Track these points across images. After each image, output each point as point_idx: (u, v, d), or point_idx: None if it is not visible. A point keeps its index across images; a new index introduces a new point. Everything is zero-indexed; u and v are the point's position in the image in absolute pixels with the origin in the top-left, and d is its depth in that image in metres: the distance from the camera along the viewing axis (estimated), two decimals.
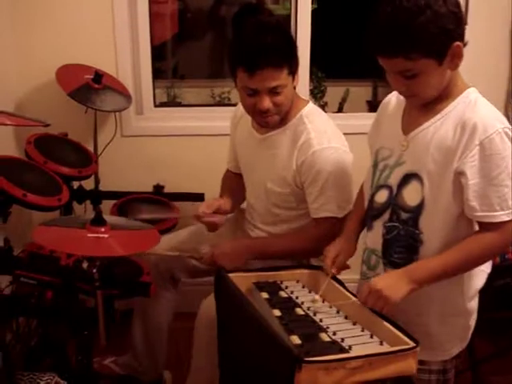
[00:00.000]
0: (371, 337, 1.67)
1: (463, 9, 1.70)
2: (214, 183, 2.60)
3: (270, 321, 1.68)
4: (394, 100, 1.96)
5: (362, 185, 2.08)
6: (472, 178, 1.66)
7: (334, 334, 1.67)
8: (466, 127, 1.67)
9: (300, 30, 3.13)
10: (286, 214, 2.31)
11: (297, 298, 1.91)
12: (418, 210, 1.76)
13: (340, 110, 4.60)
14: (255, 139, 2.32)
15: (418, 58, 1.61)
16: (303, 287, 2.00)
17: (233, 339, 1.91)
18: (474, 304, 1.90)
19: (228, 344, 1.95)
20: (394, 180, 1.83)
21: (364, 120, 3.27)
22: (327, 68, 4.50)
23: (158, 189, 3.11)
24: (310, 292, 1.97)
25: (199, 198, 2.94)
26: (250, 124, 2.34)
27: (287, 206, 2.29)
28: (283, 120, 2.22)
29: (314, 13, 3.15)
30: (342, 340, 1.62)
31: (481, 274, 1.89)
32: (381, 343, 1.63)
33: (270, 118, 2.17)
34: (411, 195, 1.78)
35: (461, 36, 1.65)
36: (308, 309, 1.83)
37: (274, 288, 1.97)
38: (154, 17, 3.28)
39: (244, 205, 2.54)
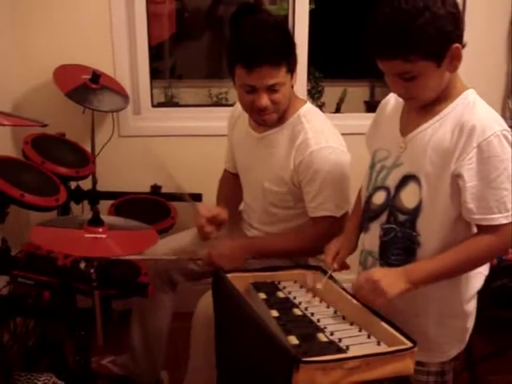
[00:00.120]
0: (368, 337, 1.67)
1: (460, 9, 1.69)
2: (211, 183, 2.60)
3: (267, 321, 1.68)
4: (392, 101, 1.95)
5: (361, 186, 2.06)
6: (469, 181, 1.65)
7: (332, 334, 1.67)
8: (464, 129, 1.66)
9: (298, 30, 3.14)
10: (284, 214, 2.31)
11: (294, 298, 1.91)
12: (416, 212, 1.75)
13: (337, 111, 4.61)
14: (252, 138, 2.32)
15: (417, 60, 1.61)
16: (301, 287, 2.00)
17: (230, 340, 1.91)
18: (471, 306, 1.90)
19: (226, 344, 1.95)
20: (391, 182, 1.82)
21: (361, 120, 3.28)
22: (325, 68, 4.51)
23: (156, 189, 3.11)
24: (307, 292, 1.97)
25: (197, 198, 2.93)
26: (248, 123, 2.34)
27: (284, 205, 2.29)
28: (281, 119, 2.22)
29: (311, 13, 3.16)
30: (340, 340, 1.62)
31: (478, 276, 1.89)
32: (378, 343, 1.63)
33: (268, 116, 2.17)
34: (409, 197, 1.77)
35: (459, 38, 1.65)
36: (305, 309, 1.83)
37: (271, 288, 1.97)
38: (151, 17, 3.28)
39: (241, 205, 2.53)
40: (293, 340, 1.62)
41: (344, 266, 1.99)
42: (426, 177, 1.73)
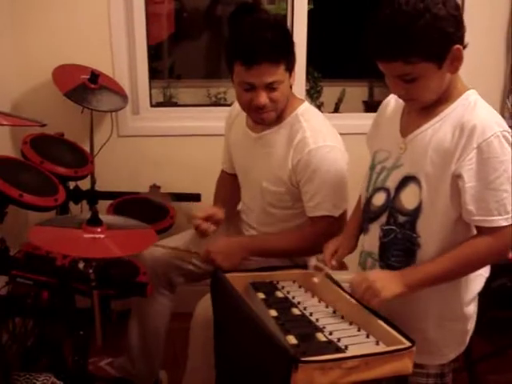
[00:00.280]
0: (367, 337, 1.67)
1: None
2: (210, 183, 2.60)
3: (266, 321, 1.69)
4: (393, 102, 1.94)
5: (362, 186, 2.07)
6: (469, 181, 1.64)
7: (331, 333, 1.67)
8: (464, 129, 1.65)
9: (296, 30, 3.13)
10: (282, 214, 2.31)
11: (293, 298, 1.92)
12: (416, 213, 1.74)
13: (336, 110, 4.60)
14: (250, 138, 2.32)
15: (418, 61, 1.60)
16: (299, 287, 2.01)
17: (229, 339, 1.91)
18: (472, 308, 1.89)
19: (224, 344, 1.95)
20: (391, 183, 1.82)
21: (360, 120, 3.29)
22: (323, 68, 4.50)
23: (155, 189, 3.11)
24: (306, 292, 1.97)
25: (195, 198, 2.94)
26: (245, 123, 2.34)
27: (283, 205, 2.29)
28: (278, 118, 2.22)
29: (310, 13, 3.16)
30: (339, 340, 1.63)
31: (479, 279, 1.87)
32: (377, 343, 1.63)
33: (266, 115, 2.17)
34: (409, 198, 1.76)
35: (460, 39, 1.64)
36: (304, 309, 1.83)
37: (270, 288, 1.97)
38: (150, 17, 3.28)
39: (239, 205, 2.53)
40: (291, 340, 1.62)
41: (342, 266, 1.99)
42: (426, 178, 1.72)
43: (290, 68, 2.13)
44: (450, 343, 1.89)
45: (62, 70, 2.86)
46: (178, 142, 3.18)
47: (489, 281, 1.92)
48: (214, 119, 3.12)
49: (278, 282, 2.01)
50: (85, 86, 2.84)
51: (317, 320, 1.76)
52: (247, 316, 1.70)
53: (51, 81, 2.79)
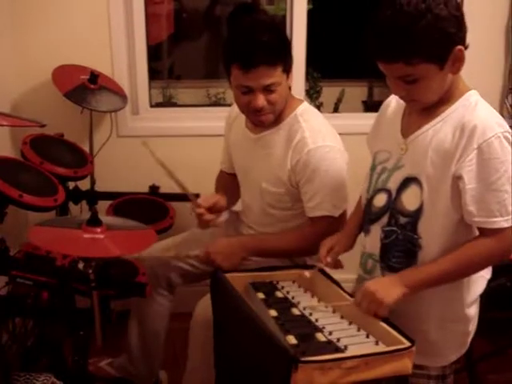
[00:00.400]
0: (367, 336, 1.67)
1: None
2: (209, 183, 2.60)
3: (266, 321, 1.69)
4: (394, 102, 1.93)
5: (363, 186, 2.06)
6: (469, 183, 1.64)
7: (330, 333, 1.67)
8: (464, 130, 1.64)
9: (295, 30, 3.13)
10: (282, 214, 2.31)
11: (293, 298, 1.92)
12: (417, 214, 1.74)
13: (336, 111, 4.60)
14: (249, 139, 2.32)
15: (419, 62, 1.59)
16: (299, 287, 2.01)
17: (229, 339, 1.91)
18: (473, 310, 1.88)
19: (224, 344, 1.96)
20: (392, 184, 1.81)
21: (360, 120, 3.29)
22: (323, 68, 4.50)
23: (154, 189, 3.11)
24: (305, 292, 1.97)
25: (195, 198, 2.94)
26: (244, 124, 2.34)
27: (282, 206, 2.29)
28: (277, 119, 2.22)
29: (309, 13, 3.15)
30: (338, 340, 1.63)
31: (480, 280, 1.87)
32: (376, 343, 1.63)
33: (265, 117, 2.17)
34: (410, 199, 1.75)
35: (462, 40, 1.62)
36: (304, 309, 1.84)
37: (270, 288, 1.97)
38: (149, 17, 3.28)
39: (239, 207, 2.53)
40: (291, 340, 1.63)
41: (338, 265, 1.99)
42: (427, 179, 1.71)
43: (287, 69, 2.13)
44: (451, 345, 1.88)
45: (61, 70, 2.86)
46: (177, 142, 3.17)
47: (488, 281, 1.91)
48: (214, 119, 3.12)
49: (277, 282, 2.01)
50: (84, 87, 2.84)
51: (316, 320, 1.76)
52: (247, 316, 1.70)
53: (51, 81, 2.79)
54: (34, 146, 2.52)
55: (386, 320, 1.68)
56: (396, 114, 1.89)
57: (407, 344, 1.58)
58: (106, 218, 1.98)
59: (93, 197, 2.91)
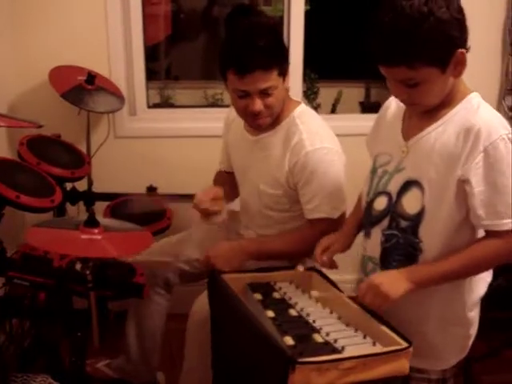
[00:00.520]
0: (364, 337, 1.67)
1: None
2: (207, 184, 2.59)
3: (263, 322, 1.69)
4: (394, 104, 1.91)
5: (361, 190, 2.04)
6: (477, 186, 1.63)
7: (327, 334, 1.67)
8: (469, 133, 1.63)
9: (293, 31, 3.13)
10: (280, 216, 2.31)
11: (290, 299, 1.92)
12: (418, 218, 1.73)
13: (333, 112, 4.60)
14: (248, 141, 2.32)
15: (421, 66, 1.57)
16: (296, 288, 2.01)
17: (226, 340, 1.91)
18: (475, 313, 1.88)
19: (221, 345, 1.96)
20: (393, 187, 1.80)
21: (357, 121, 3.30)
22: (320, 69, 4.50)
23: (151, 190, 3.11)
24: (303, 293, 1.97)
25: (192, 198, 2.93)
26: (243, 126, 2.34)
27: (280, 207, 2.29)
28: (275, 121, 2.22)
29: (306, 14, 3.15)
30: (335, 341, 1.63)
31: (482, 283, 1.87)
32: (374, 344, 1.63)
33: (262, 120, 2.17)
34: (411, 203, 1.74)
35: (464, 42, 1.61)
36: (301, 310, 1.84)
37: (267, 289, 1.97)
38: (147, 18, 3.28)
39: (237, 207, 2.53)
40: (288, 341, 1.63)
41: (332, 265, 1.97)
42: (430, 182, 1.70)
43: (283, 73, 2.13)
44: (452, 348, 1.88)
45: (58, 71, 2.86)
46: (174, 143, 3.18)
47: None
48: (211, 120, 3.12)
49: (275, 283, 2.02)
50: (81, 87, 2.84)
51: (314, 321, 1.76)
52: (244, 317, 1.71)
53: (48, 82, 2.79)
54: (31, 146, 2.52)
55: (383, 321, 1.68)
56: (396, 117, 1.88)
57: (404, 345, 1.58)
58: (103, 220, 1.98)
59: (90, 198, 2.90)
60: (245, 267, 2.16)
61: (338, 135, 2.26)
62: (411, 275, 1.70)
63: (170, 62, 4.90)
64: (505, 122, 1.68)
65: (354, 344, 1.63)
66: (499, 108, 3.24)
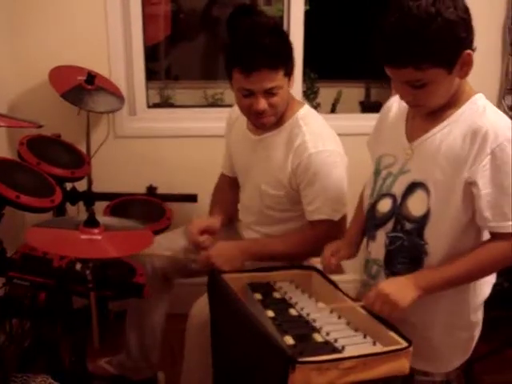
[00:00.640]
0: (364, 337, 1.67)
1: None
2: (207, 184, 2.60)
3: (263, 322, 1.69)
4: (395, 105, 1.91)
5: (362, 190, 2.04)
6: (484, 188, 1.62)
7: (328, 334, 1.67)
8: (476, 135, 1.62)
9: (293, 31, 3.13)
10: (280, 216, 2.31)
11: (290, 298, 1.92)
12: (424, 220, 1.72)
13: (333, 111, 4.60)
14: (250, 141, 2.32)
15: (429, 67, 1.56)
16: (296, 288, 2.01)
17: (226, 340, 1.91)
18: (479, 316, 1.88)
19: (221, 345, 1.96)
20: (397, 189, 1.79)
21: (357, 121, 3.30)
22: (320, 69, 4.50)
23: (151, 190, 3.11)
24: (303, 293, 1.97)
25: (192, 198, 2.94)
26: (245, 126, 2.34)
27: (281, 207, 2.29)
28: (278, 121, 2.22)
29: (306, 14, 3.15)
30: (336, 340, 1.63)
31: (486, 285, 1.86)
32: (374, 343, 1.63)
33: (266, 119, 2.17)
34: (416, 205, 1.73)
35: (471, 43, 1.60)
36: (301, 309, 1.84)
37: (267, 289, 1.98)
38: (147, 18, 3.28)
39: (237, 206, 2.53)
40: (289, 340, 1.63)
41: (339, 270, 1.97)
42: (435, 184, 1.69)
43: (289, 73, 2.13)
44: (456, 351, 1.88)
45: (58, 71, 2.86)
46: (174, 142, 3.18)
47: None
48: (211, 120, 3.12)
49: (275, 283, 2.02)
50: (81, 87, 2.84)
51: (314, 321, 1.76)
52: (244, 317, 1.70)
53: (48, 82, 2.79)
54: (31, 146, 2.52)
55: (383, 320, 1.68)
56: (399, 118, 1.87)
57: (404, 344, 1.58)
58: (103, 219, 1.97)
59: (90, 198, 2.90)
60: (244, 267, 2.16)
61: (337, 135, 2.26)
62: (418, 282, 1.69)
63: (169, 62, 4.89)
64: (510, 124, 1.67)
65: (354, 344, 1.63)
66: (499, 107, 3.19)
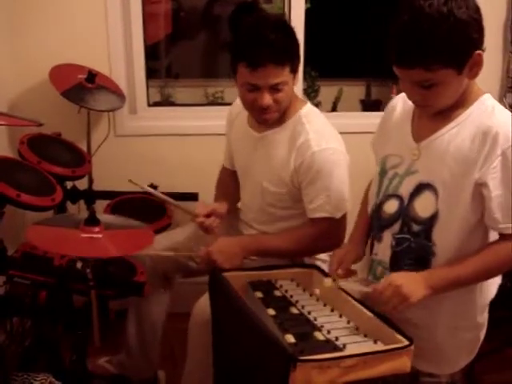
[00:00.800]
0: (365, 335, 1.67)
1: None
2: (207, 182, 2.60)
3: (264, 320, 1.69)
4: (400, 105, 1.89)
5: (366, 190, 2.03)
6: (494, 190, 1.61)
7: (329, 332, 1.67)
8: (487, 136, 1.61)
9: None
10: (281, 213, 2.31)
11: (291, 296, 1.92)
12: (431, 221, 1.70)
13: (333, 110, 4.60)
14: (252, 138, 2.31)
15: (439, 68, 1.54)
16: (298, 286, 2.01)
17: (227, 338, 1.91)
18: (485, 317, 1.88)
19: (223, 343, 1.95)
20: (404, 190, 1.77)
21: (358, 119, 3.30)
22: (321, 67, 4.49)
23: (152, 188, 3.11)
24: (304, 291, 1.97)
25: (193, 197, 2.93)
26: (247, 122, 2.34)
27: (282, 205, 2.29)
28: (281, 119, 2.22)
29: (307, 12, 3.15)
30: (337, 339, 1.63)
31: (493, 286, 1.86)
32: (375, 342, 1.63)
33: (270, 115, 2.17)
34: (424, 206, 1.72)
35: (481, 44, 1.59)
36: (302, 308, 1.83)
37: (268, 287, 1.97)
38: (147, 16, 3.28)
39: (238, 204, 2.53)
40: (290, 338, 1.63)
41: (350, 273, 1.94)
42: (444, 185, 1.68)
43: (294, 69, 2.13)
44: (461, 352, 1.88)
45: (58, 69, 2.86)
46: (175, 141, 3.17)
47: None
48: (212, 118, 3.12)
49: (276, 281, 2.01)
50: (82, 86, 2.84)
51: (315, 319, 1.76)
52: (245, 315, 1.70)
53: (48, 80, 2.79)
54: (32, 145, 2.52)
55: (384, 318, 1.68)
56: (404, 118, 1.85)
57: (405, 342, 1.58)
58: (103, 217, 1.97)
59: (90, 196, 2.90)
60: (245, 265, 2.16)
61: (338, 133, 2.26)
62: (432, 281, 1.68)
63: (170, 61, 4.89)
64: None
65: (356, 342, 1.63)
66: None
